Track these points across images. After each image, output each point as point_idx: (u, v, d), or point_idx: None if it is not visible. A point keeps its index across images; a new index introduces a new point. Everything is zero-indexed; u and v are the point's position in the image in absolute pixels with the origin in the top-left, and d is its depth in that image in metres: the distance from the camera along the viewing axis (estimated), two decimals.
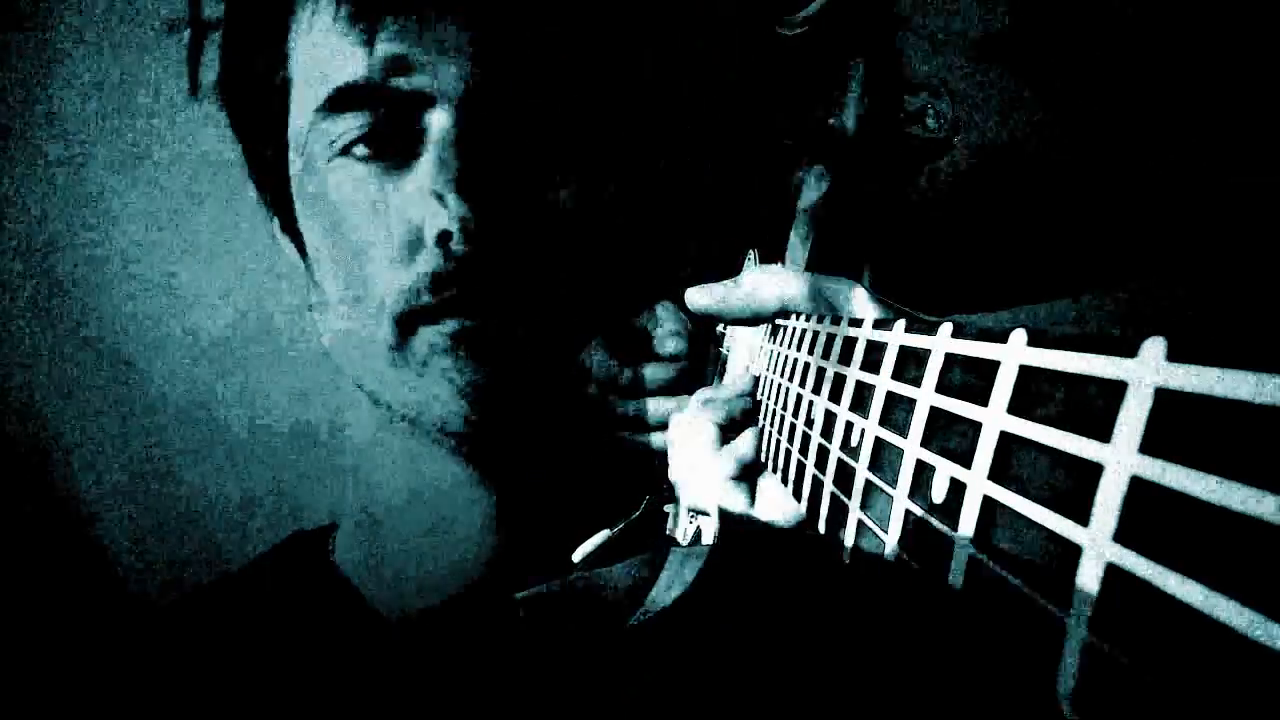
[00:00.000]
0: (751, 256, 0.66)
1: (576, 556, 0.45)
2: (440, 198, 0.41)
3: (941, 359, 0.21)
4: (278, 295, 1.44)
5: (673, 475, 0.49)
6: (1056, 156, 0.59)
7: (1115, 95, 0.58)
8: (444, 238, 0.42)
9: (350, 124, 0.44)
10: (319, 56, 0.45)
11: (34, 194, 1.65)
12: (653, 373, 0.51)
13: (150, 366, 1.56)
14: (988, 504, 0.17)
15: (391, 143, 0.44)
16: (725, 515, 0.46)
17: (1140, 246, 0.54)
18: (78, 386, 1.60)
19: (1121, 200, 0.57)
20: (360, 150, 0.44)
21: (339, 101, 0.44)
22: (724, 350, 0.59)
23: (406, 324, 0.44)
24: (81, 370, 1.61)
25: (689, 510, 0.47)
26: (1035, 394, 0.16)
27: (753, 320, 0.45)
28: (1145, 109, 0.57)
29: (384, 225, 0.44)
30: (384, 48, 0.42)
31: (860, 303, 0.39)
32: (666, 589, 0.45)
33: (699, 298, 0.47)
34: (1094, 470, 0.13)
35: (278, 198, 0.52)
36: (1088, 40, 0.59)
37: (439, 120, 0.42)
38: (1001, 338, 0.18)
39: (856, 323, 0.29)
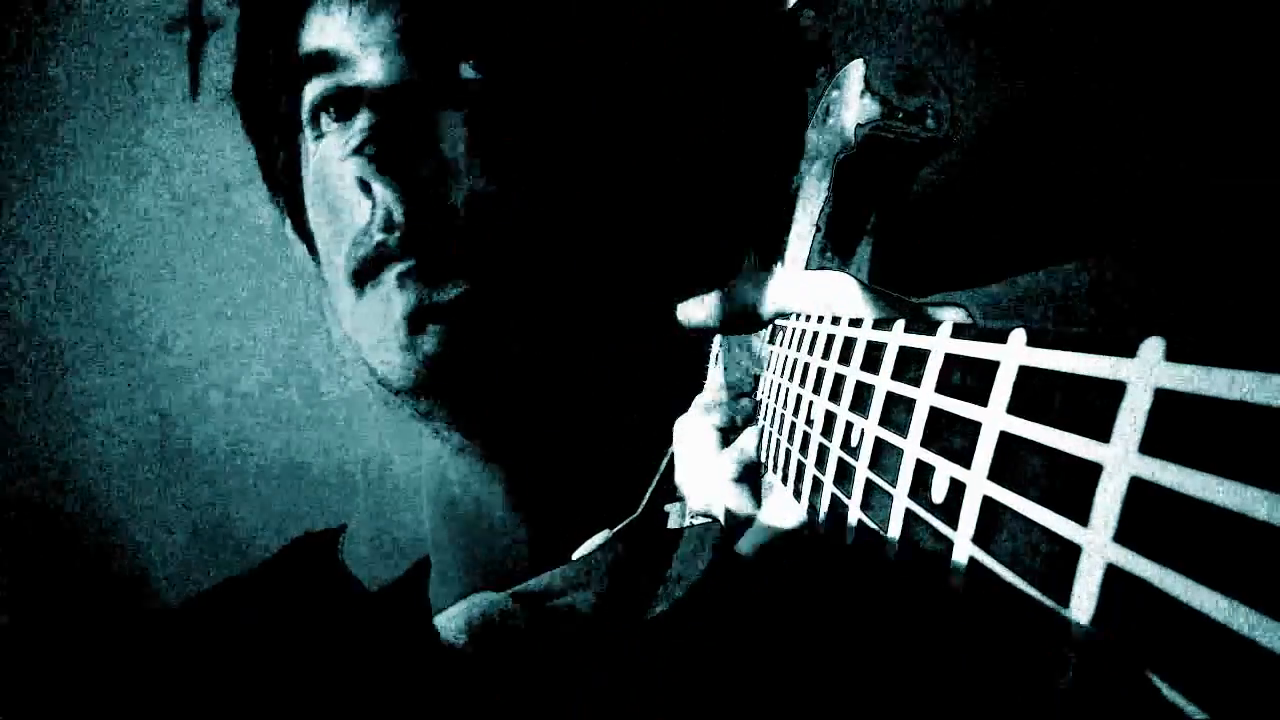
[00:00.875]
0: (751, 258, 0.66)
1: (576, 556, 0.45)
2: (449, 196, 0.41)
3: (941, 359, 0.21)
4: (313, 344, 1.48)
5: (678, 478, 0.49)
6: (1036, 133, 0.59)
7: (1098, 77, 0.58)
8: (454, 236, 0.42)
9: (360, 124, 0.44)
10: (330, 57, 0.45)
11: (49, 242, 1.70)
12: None
13: (193, 424, 1.64)
14: (988, 504, 0.17)
15: (401, 141, 0.44)
16: (729, 517, 0.46)
17: (1119, 223, 0.54)
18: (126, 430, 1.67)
19: (1102, 178, 0.57)
20: (369, 149, 0.44)
21: (349, 101, 0.44)
22: (722, 351, 0.59)
23: (416, 319, 0.44)
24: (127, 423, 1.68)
25: (695, 513, 0.47)
26: (1035, 394, 0.16)
27: (748, 329, 0.45)
28: (1129, 97, 0.57)
29: (394, 224, 0.44)
30: (393, 50, 0.42)
31: (853, 298, 0.39)
32: (672, 589, 0.45)
33: (692, 314, 0.46)
34: (1093, 470, 0.13)
35: (290, 197, 0.52)
36: (1070, 18, 0.59)
37: (450, 120, 0.42)
38: (1001, 338, 0.18)
39: (856, 323, 0.29)
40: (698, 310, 0.46)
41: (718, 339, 0.62)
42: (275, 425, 1.55)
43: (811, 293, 0.41)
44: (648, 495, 0.47)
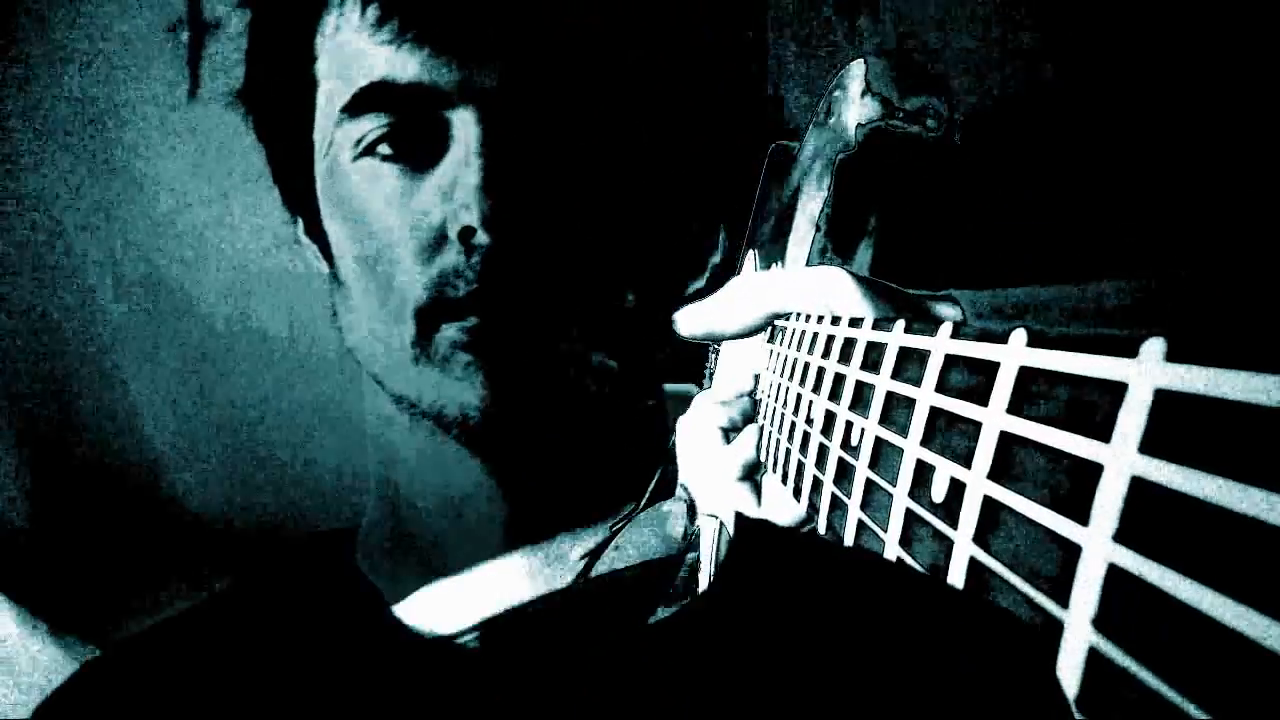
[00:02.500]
0: (752, 258, 0.66)
1: (575, 555, 0.45)
2: (463, 195, 0.41)
3: (941, 359, 0.21)
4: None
5: (682, 479, 0.49)
6: (1035, 135, 0.59)
7: (1099, 77, 0.58)
8: (466, 234, 0.42)
9: (373, 123, 0.44)
10: (345, 58, 0.45)
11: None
12: None
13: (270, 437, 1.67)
14: (988, 504, 0.17)
15: (414, 141, 0.44)
16: (735, 517, 0.46)
17: (1143, 235, 0.54)
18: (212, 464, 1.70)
19: (1126, 189, 0.57)
20: (384, 149, 0.44)
21: (363, 101, 0.44)
22: (719, 350, 0.59)
23: (428, 320, 0.44)
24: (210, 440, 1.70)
25: (701, 513, 0.47)
26: (1035, 394, 0.16)
27: (748, 334, 0.45)
28: (1134, 100, 0.57)
29: (407, 223, 0.44)
30: (409, 48, 0.42)
31: (847, 290, 0.39)
32: (674, 596, 0.45)
33: (691, 325, 0.46)
34: (1094, 470, 0.13)
35: (303, 200, 0.52)
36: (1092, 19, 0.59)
37: (463, 119, 0.42)
38: (1001, 338, 0.18)
39: (856, 322, 0.29)
40: (695, 323, 0.46)
41: None
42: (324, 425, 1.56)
43: (806, 289, 0.41)
44: (648, 492, 0.47)
